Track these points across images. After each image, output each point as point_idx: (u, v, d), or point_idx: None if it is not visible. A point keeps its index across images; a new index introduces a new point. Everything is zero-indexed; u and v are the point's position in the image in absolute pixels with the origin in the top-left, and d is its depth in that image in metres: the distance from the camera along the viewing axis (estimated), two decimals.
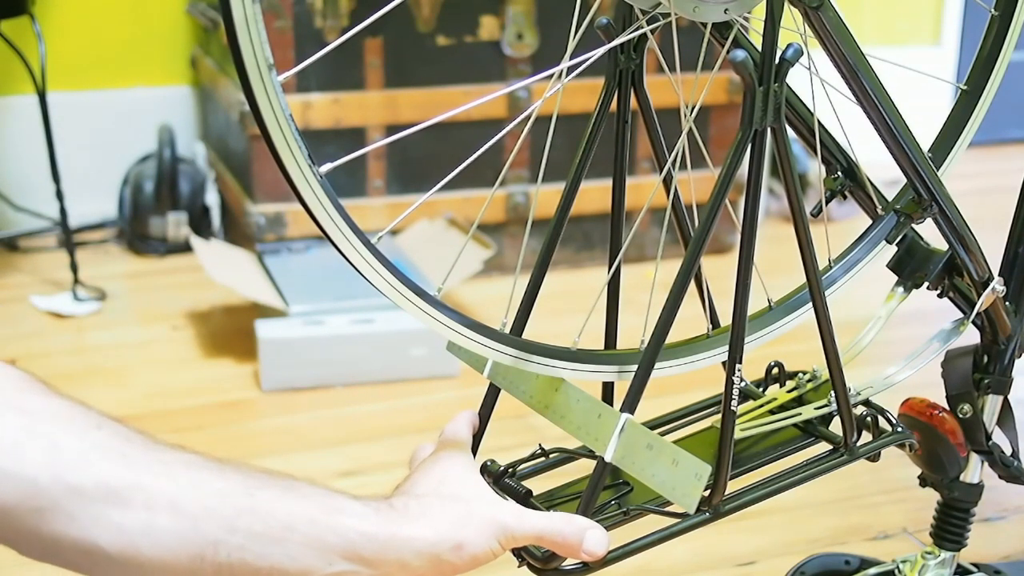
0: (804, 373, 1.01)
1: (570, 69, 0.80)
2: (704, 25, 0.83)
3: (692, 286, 0.83)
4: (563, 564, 0.83)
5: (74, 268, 2.25)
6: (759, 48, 0.77)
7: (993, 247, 1.04)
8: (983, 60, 0.99)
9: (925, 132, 0.95)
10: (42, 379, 0.73)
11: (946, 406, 1.09)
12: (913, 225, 0.98)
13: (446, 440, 0.87)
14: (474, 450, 0.90)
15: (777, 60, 0.77)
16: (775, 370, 1.01)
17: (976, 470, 1.13)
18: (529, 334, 0.85)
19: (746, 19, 0.84)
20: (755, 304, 0.87)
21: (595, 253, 2.44)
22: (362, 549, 0.74)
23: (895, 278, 1.02)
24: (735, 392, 0.83)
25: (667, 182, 0.89)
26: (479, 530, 0.78)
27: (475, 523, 0.78)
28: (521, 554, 0.84)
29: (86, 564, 0.71)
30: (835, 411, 0.95)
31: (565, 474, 0.91)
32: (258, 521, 0.71)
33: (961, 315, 1.05)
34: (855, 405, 0.96)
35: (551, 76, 0.80)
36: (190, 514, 0.70)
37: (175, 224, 2.47)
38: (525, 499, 0.86)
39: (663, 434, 0.95)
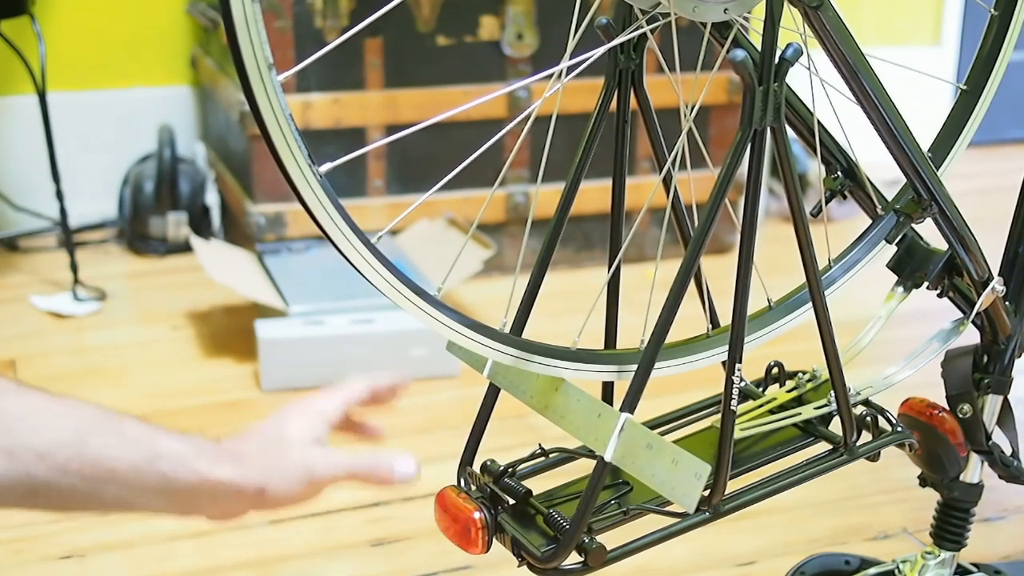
0: (804, 373, 1.01)
1: (570, 69, 0.80)
2: (704, 25, 0.83)
3: (692, 286, 0.83)
4: (563, 564, 0.83)
5: (74, 268, 2.25)
6: (759, 48, 0.77)
7: (993, 247, 1.04)
8: (983, 60, 0.99)
9: (925, 132, 0.95)
10: None
11: (946, 406, 1.09)
12: (913, 225, 0.98)
13: (322, 391, 0.91)
14: (474, 451, 0.90)
15: (777, 60, 0.77)
16: (775, 370, 1.01)
17: (976, 470, 1.13)
18: (529, 334, 0.85)
19: (746, 19, 0.84)
20: (755, 304, 0.87)
21: (595, 253, 2.44)
22: (176, 488, 0.80)
23: (895, 278, 1.02)
24: (735, 392, 0.83)
25: (667, 182, 0.89)
26: (285, 474, 0.83)
27: (282, 467, 0.83)
28: (521, 554, 0.84)
29: None
30: (835, 411, 0.95)
31: (565, 474, 0.91)
32: (87, 466, 0.78)
33: (961, 315, 1.05)
34: (855, 405, 0.96)
35: (551, 76, 0.80)
36: (23, 461, 0.77)
37: (175, 224, 2.47)
38: (525, 499, 0.86)
39: (663, 434, 0.95)
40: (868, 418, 0.96)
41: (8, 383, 0.80)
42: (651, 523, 0.86)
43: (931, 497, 1.16)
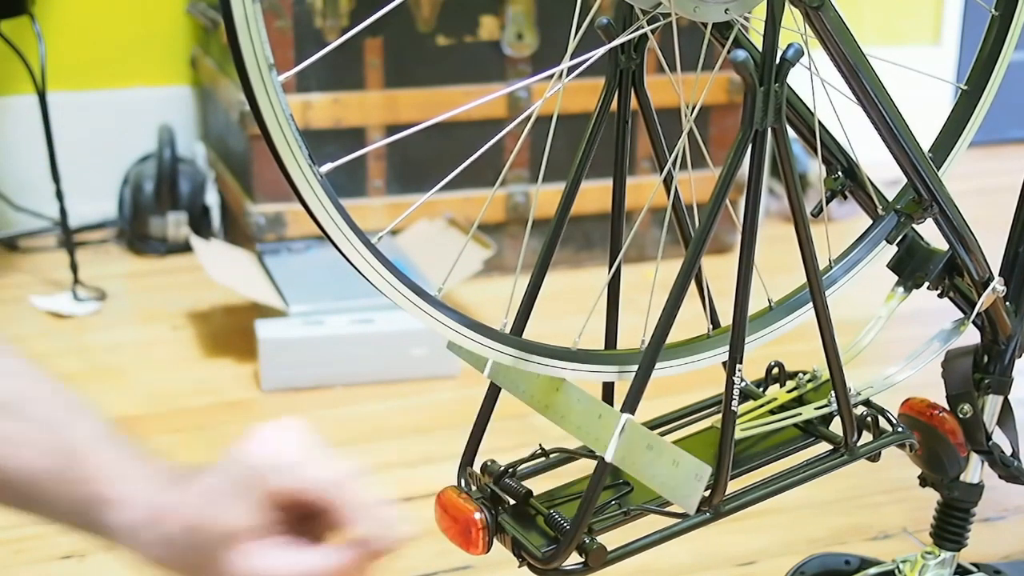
0: (804, 373, 1.01)
1: (570, 69, 0.80)
2: (704, 25, 0.83)
3: (692, 286, 0.83)
4: (563, 564, 0.83)
5: (74, 268, 2.25)
6: (760, 48, 0.77)
7: (993, 247, 1.04)
8: (983, 60, 0.99)
9: (925, 132, 0.95)
10: None
11: (946, 406, 1.09)
12: (913, 225, 0.98)
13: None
14: (474, 451, 0.90)
15: (778, 60, 0.77)
16: (775, 370, 1.01)
17: (976, 470, 1.13)
18: (529, 334, 0.85)
19: (747, 19, 0.84)
20: (755, 304, 0.87)
21: (595, 253, 2.44)
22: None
23: (895, 278, 1.02)
24: (735, 392, 0.83)
25: (667, 182, 0.89)
26: None
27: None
28: (521, 554, 0.84)
29: None
30: (835, 411, 0.95)
31: (565, 474, 0.91)
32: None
33: (961, 315, 1.05)
34: (855, 405, 0.96)
35: (551, 76, 0.80)
36: None
37: (175, 224, 2.47)
38: (525, 499, 0.86)
39: (663, 434, 0.95)
40: (868, 418, 0.96)
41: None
42: (651, 523, 0.86)
43: (931, 497, 1.16)
